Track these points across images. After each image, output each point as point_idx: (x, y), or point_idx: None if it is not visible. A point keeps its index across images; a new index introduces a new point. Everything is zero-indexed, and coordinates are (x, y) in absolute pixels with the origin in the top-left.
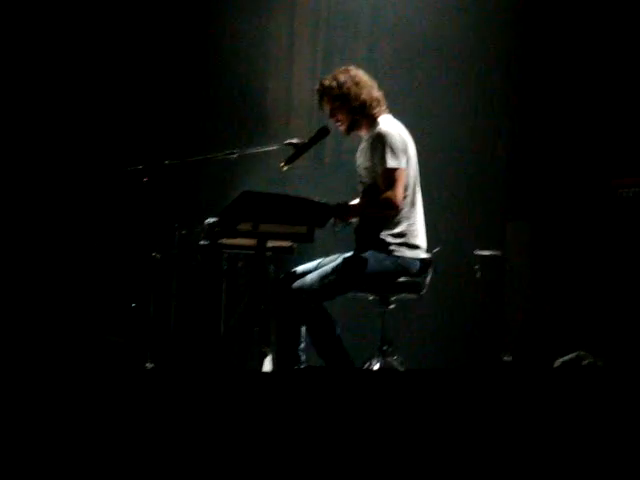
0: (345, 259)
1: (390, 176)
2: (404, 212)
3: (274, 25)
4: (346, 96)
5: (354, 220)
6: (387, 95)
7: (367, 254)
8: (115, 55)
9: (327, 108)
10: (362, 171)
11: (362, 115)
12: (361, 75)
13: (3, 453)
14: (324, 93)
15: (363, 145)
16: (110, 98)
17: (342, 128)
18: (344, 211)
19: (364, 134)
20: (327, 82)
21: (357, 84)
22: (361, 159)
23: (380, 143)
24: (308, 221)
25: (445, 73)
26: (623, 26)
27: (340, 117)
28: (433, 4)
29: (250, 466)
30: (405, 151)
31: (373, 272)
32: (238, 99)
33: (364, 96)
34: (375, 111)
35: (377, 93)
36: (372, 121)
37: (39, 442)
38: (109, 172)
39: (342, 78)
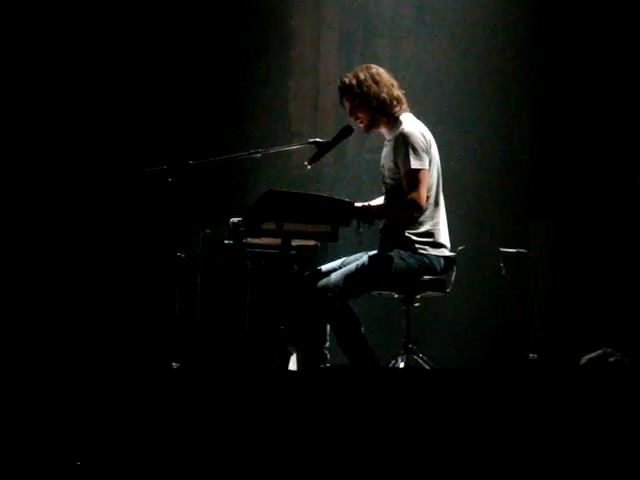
0: (370, 257)
1: (414, 177)
2: (428, 212)
3: (299, 24)
4: (366, 94)
5: (378, 220)
6: (409, 94)
7: (392, 252)
8: (140, 55)
9: (347, 106)
10: (386, 172)
11: (382, 114)
12: (382, 73)
13: (25, 452)
14: (344, 91)
15: (386, 146)
16: (135, 99)
17: (362, 126)
18: (367, 214)
19: (385, 133)
20: (347, 80)
21: (377, 82)
22: (384, 160)
23: (403, 144)
24: (332, 220)
25: (467, 71)
26: None
27: (360, 115)
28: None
29: (276, 464)
30: (428, 151)
31: (398, 270)
32: (262, 98)
33: (384, 95)
34: (395, 110)
35: (397, 92)
36: (392, 120)
37: (65, 441)
38: (134, 173)
39: (362, 76)
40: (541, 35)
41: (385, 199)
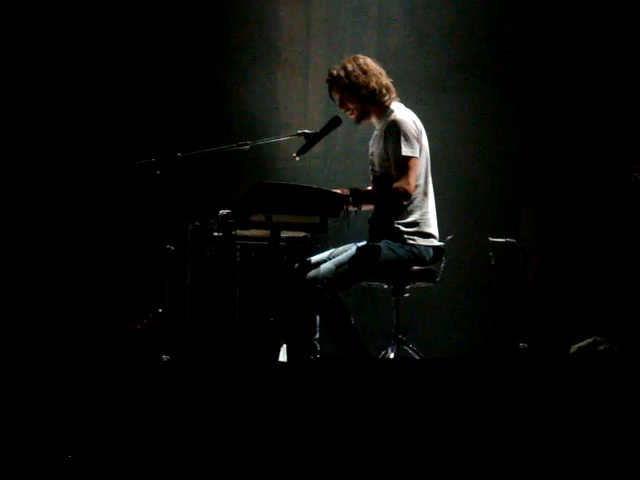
0: (359, 248)
1: (404, 164)
2: (417, 201)
3: (287, 14)
4: (355, 85)
5: (366, 207)
6: (397, 83)
7: (381, 243)
8: (127, 49)
9: (337, 98)
10: (375, 159)
11: (372, 103)
12: (369, 63)
13: (17, 449)
14: (333, 83)
15: (376, 133)
16: (123, 91)
17: (352, 117)
18: (356, 196)
19: (375, 122)
20: (335, 72)
21: (365, 72)
22: (374, 147)
23: (394, 131)
24: (321, 211)
25: (456, 59)
26: (636, 13)
27: (350, 106)
28: None
29: (266, 456)
30: (419, 139)
31: (387, 261)
32: (250, 89)
33: (373, 84)
34: (385, 99)
35: (386, 80)
36: (383, 109)
37: (54, 435)
38: (122, 165)
39: (350, 67)
40: (528, 27)
41: (373, 186)
